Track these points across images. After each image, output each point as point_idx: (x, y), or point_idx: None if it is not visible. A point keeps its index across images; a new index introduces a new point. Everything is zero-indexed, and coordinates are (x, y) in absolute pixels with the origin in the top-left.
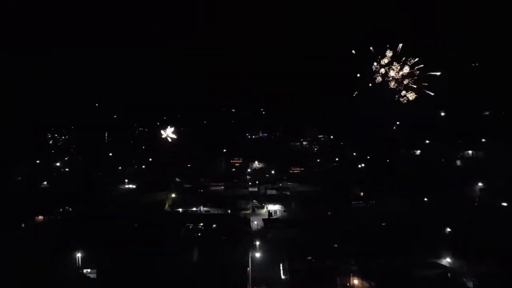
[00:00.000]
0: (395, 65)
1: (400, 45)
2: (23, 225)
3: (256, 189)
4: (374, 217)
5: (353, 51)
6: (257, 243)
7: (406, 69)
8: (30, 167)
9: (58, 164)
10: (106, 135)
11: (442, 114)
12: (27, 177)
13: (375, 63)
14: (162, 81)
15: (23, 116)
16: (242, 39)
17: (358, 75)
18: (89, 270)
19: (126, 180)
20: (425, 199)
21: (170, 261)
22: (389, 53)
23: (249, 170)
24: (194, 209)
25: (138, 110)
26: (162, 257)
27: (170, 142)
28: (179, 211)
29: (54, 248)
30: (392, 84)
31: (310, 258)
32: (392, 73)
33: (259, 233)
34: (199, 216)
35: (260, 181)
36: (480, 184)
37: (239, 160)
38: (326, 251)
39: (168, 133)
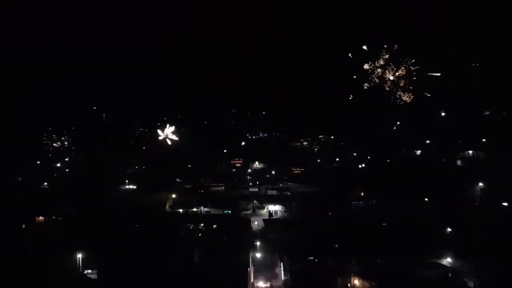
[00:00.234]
0: (391, 66)
1: (396, 46)
2: (23, 225)
3: (256, 190)
4: (375, 217)
5: (349, 54)
6: (258, 243)
7: (403, 71)
8: (31, 168)
9: (58, 164)
10: (106, 135)
11: (443, 114)
12: (28, 178)
13: (366, 65)
14: (162, 81)
15: (23, 117)
16: (242, 39)
17: (354, 76)
18: (89, 271)
19: (127, 181)
20: (426, 199)
21: (171, 261)
22: (385, 54)
23: (249, 170)
24: (195, 209)
25: (138, 110)
26: (163, 257)
27: (170, 143)
28: (179, 211)
29: (54, 248)
30: (387, 86)
31: (310, 258)
32: (388, 75)
33: (259, 234)
34: (199, 217)
35: (260, 182)
36: (480, 184)
37: (240, 160)
38: (326, 251)
39: (168, 132)
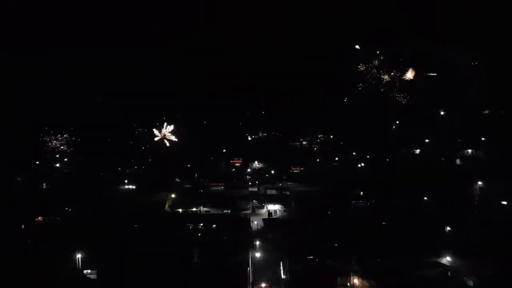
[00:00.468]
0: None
1: (391, 46)
2: (23, 226)
3: (256, 189)
4: (374, 216)
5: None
6: (257, 243)
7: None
8: (30, 168)
9: (57, 165)
10: (105, 135)
11: (442, 113)
12: (27, 178)
13: (361, 65)
14: (161, 80)
15: (21, 116)
16: (240, 39)
17: (352, 76)
18: (89, 271)
19: (126, 181)
20: (425, 198)
21: (170, 261)
22: (380, 54)
23: (249, 170)
24: (194, 209)
25: (137, 110)
26: (162, 257)
27: (170, 143)
28: (179, 211)
29: (54, 249)
30: (382, 86)
31: (310, 257)
32: (383, 75)
33: (259, 233)
34: (199, 217)
35: (260, 181)
36: (479, 183)
37: (239, 160)
38: (326, 251)
39: (166, 132)
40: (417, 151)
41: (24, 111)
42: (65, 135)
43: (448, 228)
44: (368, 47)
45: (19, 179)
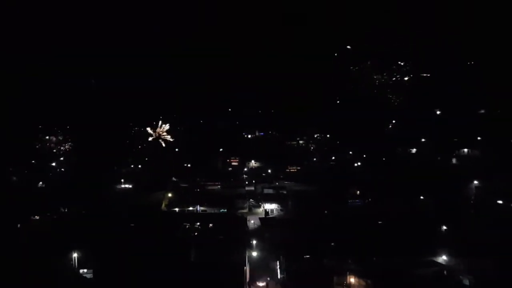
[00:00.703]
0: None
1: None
2: (19, 225)
3: (252, 188)
4: (371, 215)
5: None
6: (254, 242)
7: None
8: (26, 167)
9: (53, 164)
10: (102, 134)
11: (438, 112)
12: (23, 177)
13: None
14: (159, 80)
15: (17, 116)
16: (238, 39)
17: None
18: (85, 270)
19: (122, 180)
20: (421, 197)
21: (167, 261)
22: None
23: (245, 169)
24: (191, 208)
25: (134, 110)
26: (159, 257)
27: (165, 142)
28: (175, 210)
29: (50, 248)
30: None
31: (307, 256)
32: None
33: (256, 232)
34: (195, 216)
35: (256, 180)
36: (475, 182)
37: (236, 159)
38: (323, 250)
39: (162, 131)
40: (413, 150)
41: (20, 110)
42: (60, 136)
43: (444, 227)
44: (360, 48)
45: (15, 178)
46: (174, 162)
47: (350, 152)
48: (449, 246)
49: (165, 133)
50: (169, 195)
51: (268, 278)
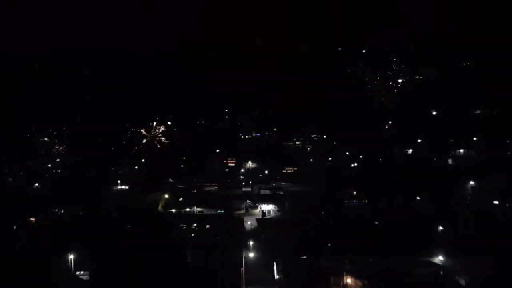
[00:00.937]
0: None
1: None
2: (15, 227)
3: (249, 189)
4: (367, 216)
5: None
6: (251, 243)
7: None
8: (21, 169)
9: (49, 165)
10: (98, 135)
11: (434, 113)
12: (19, 179)
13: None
14: (156, 81)
15: (12, 117)
16: (237, 39)
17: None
18: (81, 272)
19: (119, 181)
20: (417, 197)
21: (164, 262)
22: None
23: (242, 170)
24: (188, 209)
25: (131, 110)
26: (155, 258)
27: (160, 144)
28: (172, 212)
29: (46, 250)
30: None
31: (303, 257)
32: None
33: (252, 233)
34: (192, 217)
35: (253, 181)
36: (471, 182)
37: (233, 160)
38: (319, 251)
39: (157, 132)
40: (410, 151)
41: (15, 111)
42: (56, 137)
43: (441, 228)
44: (352, 49)
45: (10, 179)
46: (170, 163)
47: (347, 153)
48: (446, 246)
49: (160, 134)
50: (166, 196)
51: (265, 279)
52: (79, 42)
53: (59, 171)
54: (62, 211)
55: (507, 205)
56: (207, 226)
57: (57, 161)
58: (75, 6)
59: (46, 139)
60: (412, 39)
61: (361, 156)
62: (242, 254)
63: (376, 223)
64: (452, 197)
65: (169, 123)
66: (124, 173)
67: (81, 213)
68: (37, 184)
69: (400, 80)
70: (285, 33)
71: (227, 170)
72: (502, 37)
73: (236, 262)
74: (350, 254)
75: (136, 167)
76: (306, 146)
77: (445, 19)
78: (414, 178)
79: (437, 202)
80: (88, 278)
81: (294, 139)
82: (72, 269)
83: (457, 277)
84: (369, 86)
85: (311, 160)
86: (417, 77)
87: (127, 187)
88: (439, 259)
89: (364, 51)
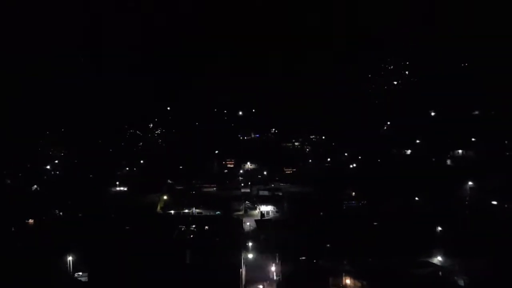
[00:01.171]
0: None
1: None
2: (13, 228)
3: (248, 190)
4: (366, 216)
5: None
6: (250, 244)
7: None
8: (20, 170)
9: (48, 167)
10: (97, 137)
11: (432, 114)
12: (17, 180)
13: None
14: (154, 82)
15: (11, 118)
16: (235, 39)
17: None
18: (80, 273)
19: (118, 182)
20: (416, 198)
21: (162, 263)
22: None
23: (241, 171)
24: (186, 211)
25: (129, 112)
26: (154, 259)
27: (161, 144)
28: (171, 213)
29: (45, 251)
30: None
31: (302, 258)
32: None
33: (251, 234)
34: (191, 218)
35: (252, 182)
36: (470, 183)
37: (231, 161)
38: (318, 251)
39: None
40: (408, 151)
41: (14, 113)
42: (55, 138)
43: (439, 228)
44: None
45: (9, 181)
46: (169, 164)
47: (346, 154)
48: (444, 246)
49: (156, 136)
50: (165, 197)
51: (264, 280)
52: (79, 42)
53: (58, 172)
54: (61, 213)
55: (506, 205)
56: (206, 227)
57: (56, 163)
58: (75, 6)
59: (45, 140)
60: (412, 39)
61: (360, 157)
62: (241, 255)
63: (375, 223)
64: (451, 198)
65: (168, 123)
66: (122, 174)
67: (80, 214)
68: (35, 186)
69: (399, 81)
70: (285, 33)
71: (226, 171)
72: (500, 38)
73: (235, 263)
74: (349, 255)
75: (135, 168)
76: (305, 147)
77: (444, 19)
78: (413, 179)
79: (436, 203)
80: (87, 279)
81: (293, 140)
82: (71, 271)
83: (455, 277)
84: (368, 87)
85: (310, 161)
86: (416, 77)
87: (126, 188)
88: (438, 259)
89: (363, 51)
